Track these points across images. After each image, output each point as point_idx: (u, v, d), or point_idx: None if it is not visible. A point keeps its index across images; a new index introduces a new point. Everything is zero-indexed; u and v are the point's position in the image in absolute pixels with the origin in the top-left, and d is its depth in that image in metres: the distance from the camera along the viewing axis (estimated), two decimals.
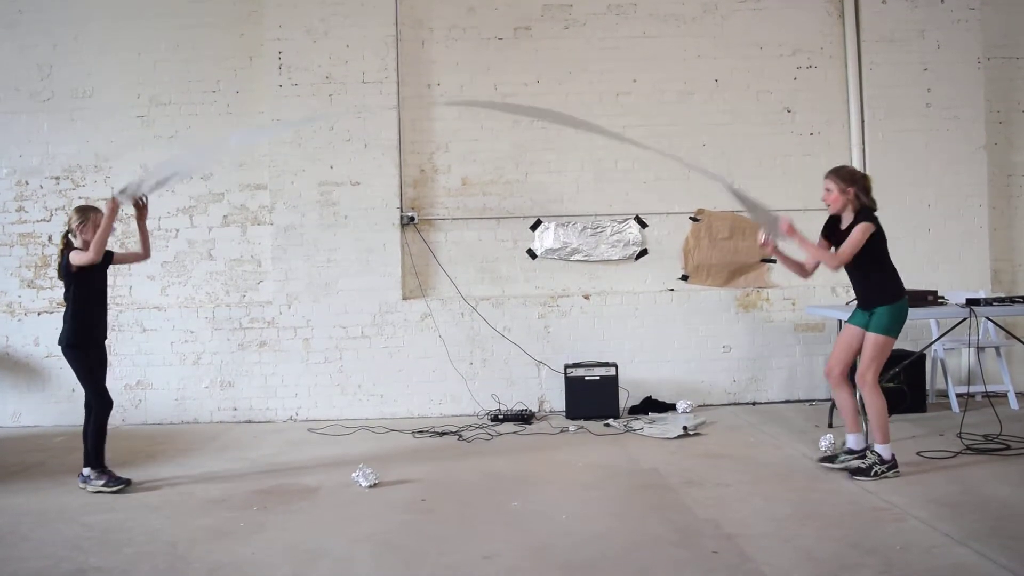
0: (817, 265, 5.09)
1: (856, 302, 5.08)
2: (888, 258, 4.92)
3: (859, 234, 4.76)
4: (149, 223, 7.27)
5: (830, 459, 5.09)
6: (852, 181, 4.87)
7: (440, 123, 7.41)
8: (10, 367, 7.18)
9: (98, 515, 4.55)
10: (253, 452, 6.05)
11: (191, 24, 7.36)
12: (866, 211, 4.85)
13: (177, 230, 7.39)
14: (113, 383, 7.12)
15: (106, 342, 5.26)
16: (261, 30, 7.29)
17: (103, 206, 5.05)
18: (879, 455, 4.83)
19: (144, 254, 5.45)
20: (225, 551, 3.96)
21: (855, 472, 4.84)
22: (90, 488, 4.96)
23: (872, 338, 4.83)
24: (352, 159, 7.21)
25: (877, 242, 4.84)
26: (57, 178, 7.38)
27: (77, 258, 4.97)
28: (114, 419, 7.04)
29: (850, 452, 5.03)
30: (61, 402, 7.05)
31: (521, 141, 7.43)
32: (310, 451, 6.05)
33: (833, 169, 4.99)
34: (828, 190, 4.93)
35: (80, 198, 7.30)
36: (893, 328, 4.84)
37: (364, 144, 7.22)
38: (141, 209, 5.24)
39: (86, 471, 5.10)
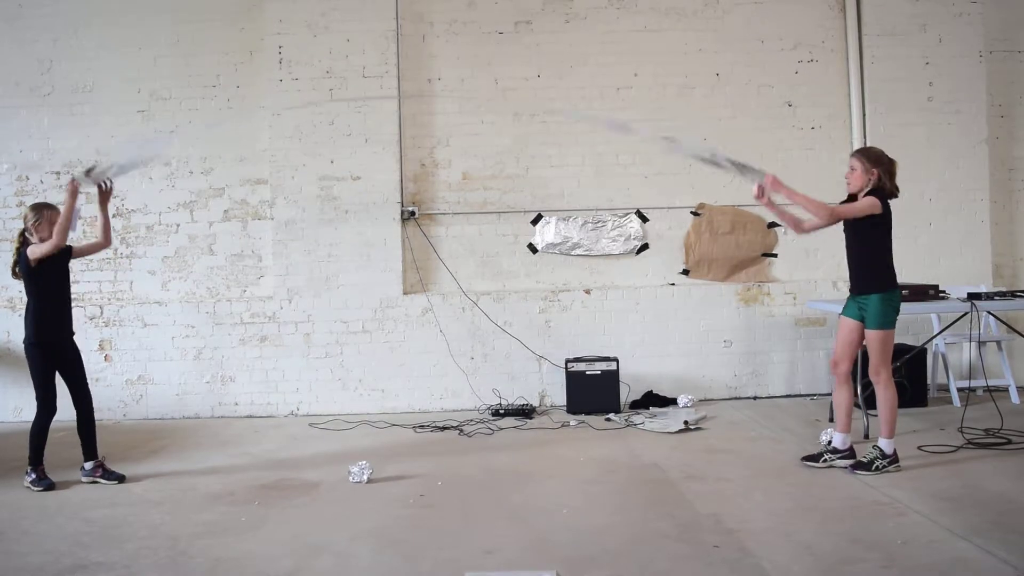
0: (816, 226, 4.95)
1: (849, 288, 5.05)
2: (889, 247, 4.87)
3: (866, 203, 4.73)
4: (149, 217, 7.36)
5: (814, 458, 5.04)
6: (878, 162, 4.81)
7: (441, 117, 7.40)
8: (11, 362, 7.18)
9: (99, 510, 4.56)
10: (254, 447, 6.06)
11: (191, 19, 7.35)
12: (881, 192, 4.79)
13: (178, 225, 7.39)
14: (114, 378, 7.20)
15: (75, 337, 5.27)
16: (261, 25, 7.28)
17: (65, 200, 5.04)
18: (882, 450, 4.82)
19: (104, 241, 5.39)
20: (226, 546, 3.96)
21: (856, 466, 4.84)
22: (25, 481, 5.02)
23: (873, 335, 4.82)
24: (353, 154, 7.21)
25: (880, 225, 4.79)
26: (57, 173, 7.37)
27: (36, 250, 4.96)
28: (115, 414, 7.14)
29: (834, 451, 4.99)
30: (63, 397, 6.91)
31: (522, 135, 7.42)
32: (311, 446, 6.06)
33: (861, 148, 5.00)
34: (852, 168, 4.86)
35: (80, 192, 7.27)
36: (889, 320, 4.82)
37: (365, 139, 7.22)
38: (104, 193, 5.24)
39: (88, 465, 5.14)
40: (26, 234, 5.08)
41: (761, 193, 4.79)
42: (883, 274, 4.86)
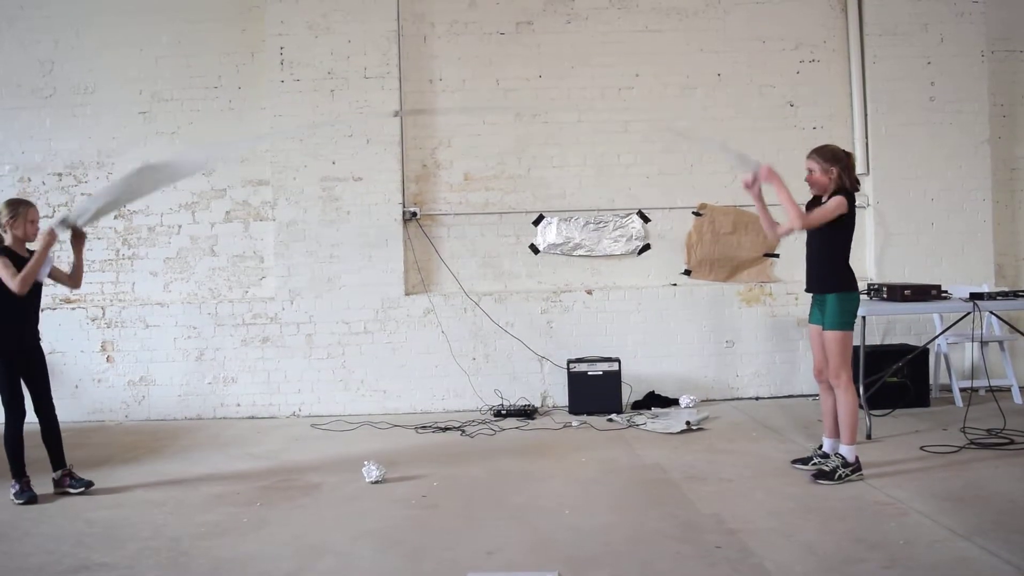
0: (789, 230, 4.86)
1: (805, 288, 5.01)
2: (848, 248, 4.81)
3: (833, 204, 4.66)
4: (151, 218, 7.36)
5: (803, 461, 5.00)
6: (835, 160, 4.75)
7: (442, 118, 7.40)
8: None
9: (101, 511, 4.56)
10: (256, 448, 6.06)
11: (193, 20, 7.36)
12: (845, 191, 4.74)
13: (179, 226, 7.39)
14: (116, 379, 7.21)
15: (41, 343, 4.98)
16: (263, 26, 7.28)
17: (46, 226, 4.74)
18: (843, 458, 4.71)
19: (73, 283, 5.05)
20: (228, 547, 3.97)
21: (818, 476, 4.72)
22: (9, 494, 4.76)
23: (830, 336, 4.74)
24: (354, 155, 7.21)
25: (845, 225, 4.73)
26: (59, 175, 7.38)
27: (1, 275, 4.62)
28: (117, 415, 7.14)
29: (824, 456, 4.93)
30: (64, 398, 6.96)
31: (523, 136, 7.42)
32: (313, 447, 6.06)
33: (815, 149, 4.85)
34: (810, 170, 4.82)
35: (82, 195, 7.30)
36: (846, 322, 4.74)
37: (366, 140, 7.22)
38: (79, 237, 4.88)
39: (56, 475, 4.92)
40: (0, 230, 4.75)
41: (752, 182, 4.77)
42: (842, 274, 4.79)
